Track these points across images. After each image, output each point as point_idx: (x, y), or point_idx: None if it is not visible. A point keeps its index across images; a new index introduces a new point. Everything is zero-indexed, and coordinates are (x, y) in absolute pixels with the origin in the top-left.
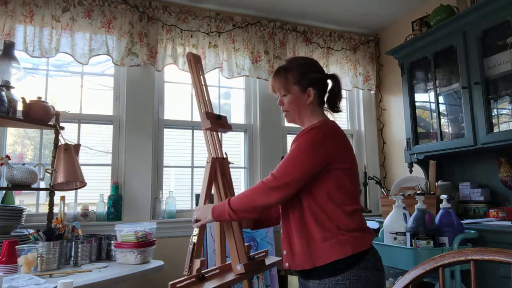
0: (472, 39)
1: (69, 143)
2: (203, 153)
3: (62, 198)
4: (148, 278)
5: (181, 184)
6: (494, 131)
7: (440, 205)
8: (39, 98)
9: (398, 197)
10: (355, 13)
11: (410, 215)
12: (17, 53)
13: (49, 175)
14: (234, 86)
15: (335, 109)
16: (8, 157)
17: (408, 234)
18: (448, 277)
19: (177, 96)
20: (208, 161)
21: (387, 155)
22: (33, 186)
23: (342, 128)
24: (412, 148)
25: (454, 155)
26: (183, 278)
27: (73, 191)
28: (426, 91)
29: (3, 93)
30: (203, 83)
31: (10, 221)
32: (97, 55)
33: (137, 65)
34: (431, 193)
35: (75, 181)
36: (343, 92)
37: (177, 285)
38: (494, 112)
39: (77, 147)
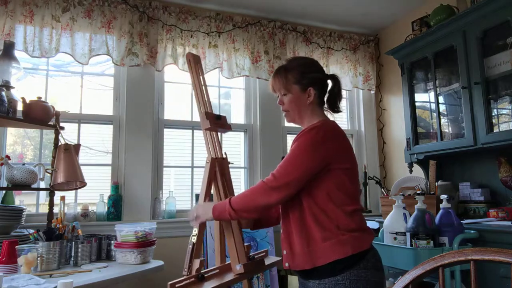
0: (472, 39)
1: (69, 143)
2: (203, 153)
3: (62, 198)
4: (148, 278)
5: (181, 184)
6: (494, 131)
7: (440, 205)
8: (39, 98)
9: (398, 197)
10: (355, 13)
11: (410, 215)
12: (17, 53)
13: (49, 175)
14: (234, 86)
15: (335, 109)
16: (8, 157)
17: (408, 234)
18: (448, 277)
19: (177, 96)
20: (208, 161)
21: (387, 155)
22: (33, 186)
23: (342, 128)
24: (412, 148)
25: (454, 155)
26: (182, 278)
27: (73, 191)
28: (426, 91)
29: (3, 93)
30: (202, 84)
31: (10, 221)
32: (97, 55)
33: (137, 65)
34: (431, 193)
35: (75, 181)
36: (343, 92)
37: (176, 285)
38: (494, 112)
39: (77, 147)
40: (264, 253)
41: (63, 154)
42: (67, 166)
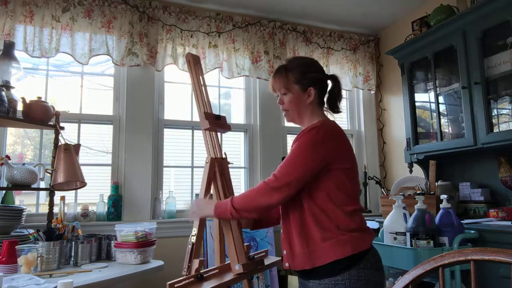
0: (472, 39)
1: (69, 143)
2: (203, 153)
3: (62, 198)
4: (148, 278)
5: (181, 184)
6: (494, 131)
7: (440, 205)
8: (39, 98)
9: (398, 197)
10: (355, 13)
11: (410, 215)
12: (17, 53)
13: (49, 175)
14: (234, 86)
15: (335, 109)
16: (8, 157)
17: (408, 234)
18: (448, 277)
19: (177, 96)
20: (207, 161)
21: (387, 155)
22: (33, 186)
23: (342, 128)
24: (412, 148)
25: (454, 155)
26: (181, 278)
27: (73, 191)
28: (426, 91)
29: (3, 93)
30: (202, 84)
31: (10, 221)
32: (97, 55)
33: (137, 65)
34: (431, 193)
35: (75, 181)
36: (343, 92)
37: (176, 285)
38: (494, 112)
39: (77, 147)
40: (264, 253)
41: (63, 154)
42: (67, 166)
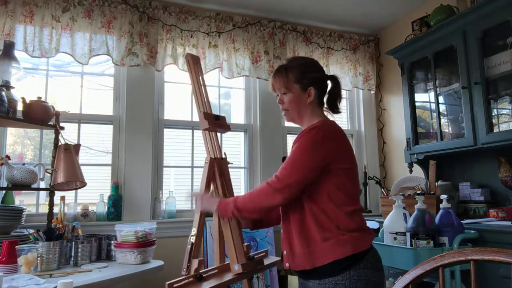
0: (472, 39)
1: (69, 143)
2: (203, 153)
3: (62, 198)
4: (148, 278)
5: (181, 184)
6: (494, 131)
7: (440, 205)
8: (39, 98)
9: (398, 197)
10: (355, 13)
11: (410, 215)
12: (17, 53)
13: (49, 175)
14: (234, 86)
15: (335, 110)
16: (8, 157)
17: (408, 234)
18: (448, 277)
19: (177, 96)
20: (207, 161)
21: (387, 155)
22: (33, 186)
23: (342, 128)
24: (412, 148)
25: (454, 155)
26: (180, 278)
27: (73, 191)
28: (426, 91)
29: (3, 93)
30: (201, 84)
31: (10, 221)
32: (97, 55)
33: (137, 65)
34: (431, 193)
35: (75, 181)
36: (343, 92)
37: (175, 285)
38: (494, 112)
39: (77, 147)
40: (264, 253)
41: (63, 154)
42: (67, 166)
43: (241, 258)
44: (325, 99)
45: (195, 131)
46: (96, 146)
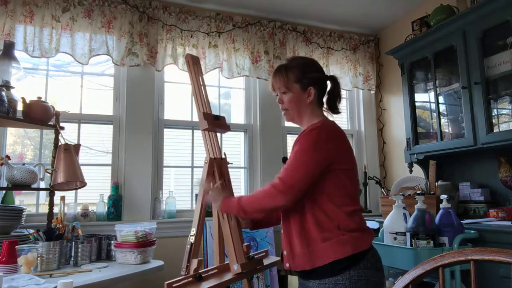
0: (472, 39)
1: (69, 143)
2: (203, 153)
3: (62, 198)
4: (148, 278)
5: (181, 184)
6: (494, 131)
7: (440, 205)
8: (39, 98)
9: (398, 197)
10: (355, 13)
11: (410, 215)
12: (17, 53)
13: (49, 175)
14: (234, 86)
15: (335, 110)
16: (8, 157)
17: (408, 234)
18: (448, 277)
19: (177, 96)
20: (206, 161)
21: (387, 155)
22: (33, 186)
23: (342, 128)
24: (412, 148)
25: (454, 155)
26: (179, 278)
27: (73, 191)
28: (426, 91)
29: (3, 93)
30: (201, 84)
31: (10, 221)
32: (97, 55)
33: (137, 65)
34: (431, 193)
35: (75, 181)
36: (343, 92)
37: (174, 285)
38: (494, 112)
39: (77, 147)
40: (264, 253)
41: (63, 154)
42: (67, 166)
43: (240, 258)
44: (324, 99)
45: (195, 131)
46: (96, 146)
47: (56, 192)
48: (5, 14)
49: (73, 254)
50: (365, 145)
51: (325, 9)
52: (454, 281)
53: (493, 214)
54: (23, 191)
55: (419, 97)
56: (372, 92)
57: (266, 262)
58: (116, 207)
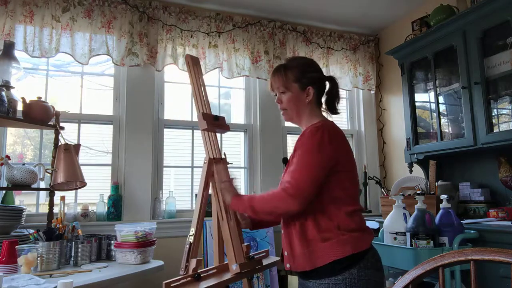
0: (472, 39)
1: (69, 143)
2: (203, 153)
3: (62, 198)
4: (148, 278)
5: (181, 184)
6: (494, 131)
7: (440, 205)
8: (39, 98)
9: (398, 197)
10: (355, 13)
11: (410, 215)
12: (17, 53)
13: (49, 175)
14: (234, 86)
15: (334, 110)
16: (8, 157)
17: (408, 234)
18: (448, 277)
19: (177, 96)
20: (205, 161)
21: (387, 155)
22: (33, 186)
23: (342, 128)
24: (412, 148)
25: (454, 155)
26: (178, 278)
27: (73, 191)
28: (426, 91)
29: (3, 93)
30: (201, 85)
31: (10, 221)
32: (97, 55)
33: (137, 65)
34: (431, 193)
35: (75, 181)
36: (343, 92)
37: (172, 285)
38: (494, 112)
39: (77, 147)
40: (264, 253)
41: (63, 154)
42: (67, 166)
43: (239, 257)
44: (323, 100)
45: (195, 131)
46: (96, 146)
47: (56, 192)
48: (5, 14)
49: (73, 254)
50: (365, 145)
51: (325, 9)
52: (454, 281)
53: (493, 214)
54: (23, 191)
55: (419, 97)
56: (372, 92)
57: (266, 262)
58: (116, 207)
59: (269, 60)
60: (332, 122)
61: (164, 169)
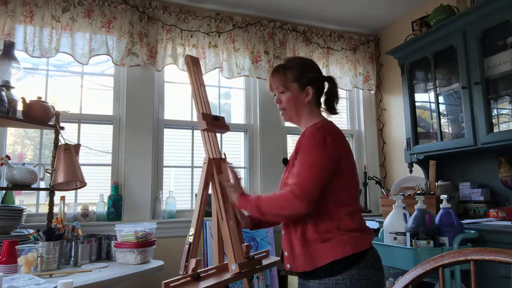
0: (472, 39)
1: (69, 143)
2: (203, 153)
3: (62, 198)
4: (148, 278)
5: (181, 184)
6: (494, 131)
7: (440, 205)
8: (39, 98)
9: (398, 197)
10: (355, 13)
11: (410, 215)
12: (17, 53)
13: (49, 175)
14: (234, 86)
15: (333, 111)
16: (8, 157)
17: (408, 234)
18: (448, 277)
19: (177, 96)
20: (205, 161)
21: (387, 155)
22: (33, 186)
23: (342, 128)
24: (412, 148)
25: (454, 155)
26: (177, 277)
27: (73, 191)
28: (426, 91)
29: (3, 93)
30: (201, 85)
31: (10, 221)
32: (97, 55)
33: (137, 65)
34: (431, 193)
35: (75, 181)
36: (343, 92)
37: (171, 284)
38: (494, 112)
39: (77, 147)
40: (265, 253)
41: (63, 154)
42: (67, 166)
43: (239, 257)
44: (322, 100)
45: (195, 131)
46: (96, 146)
47: (56, 192)
48: (5, 14)
49: (73, 254)
50: (365, 145)
51: (325, 9)
52: (454, 281)
53: (493, 214)
54: (23, 191)
55: (419, 97)
56: (372, 92)
57: (266, 262)
58: (116, 207)
59: (269, 60)
60: (332, 122)
61: (164, 169)
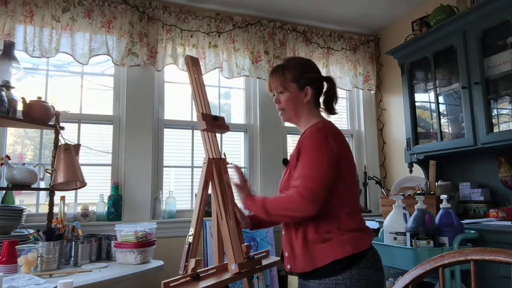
0: (472, 39)
1: (69, 143)
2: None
3: (62, 198)
4: (148, 278)
5: (181, 184)
6: (494, 131)
7: (440, 205)
8: (39, 98)
9: (398, 197)
10: (355, 13)
11: (410, 215)
12: (17, 53)
13: (49, 175)
14: (234, 86)
15: (332, 111)
16: (8, 157)
17: (408, 234)
18: (448, 277)
19: (177, 96)
20: (205, 161)
21: (387, 155)
22: (33, 186)
23: (342, 128)
24: (412, 148)
25: (454, 155)
26: (177, 277)
27: (73, 191)
28: (426, 91)
29: (3, 93)
30: (200, 86)
31: (10, 221)
32: (97, 55)
33: (137, 65)
34: (431, 193)
35: (75, 181)
36: (343, 92)
37: (171, 284)
38: (494, 112)
39: (77, 147)
40: (265, 253)
41: (63, 154)
42: (67, 166)
43: (238, 257)
44: (321, 100)
45: (195, 131)
46: (96, 146)
47: (56, 192)
48: (5, 14)
49: (73, 254)
50: (365, 145)
51: (325, 9)
52: (454, 281)
53: (493, 214)
54: (23, 191)
55: (419, 97)
56: (372, 92)
57: (266, 262)
58: (116, 207)
59: (269, 60)
60: (331, 123)
61: (164, 169)
